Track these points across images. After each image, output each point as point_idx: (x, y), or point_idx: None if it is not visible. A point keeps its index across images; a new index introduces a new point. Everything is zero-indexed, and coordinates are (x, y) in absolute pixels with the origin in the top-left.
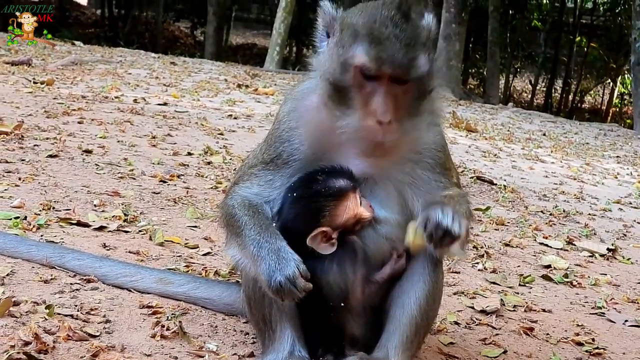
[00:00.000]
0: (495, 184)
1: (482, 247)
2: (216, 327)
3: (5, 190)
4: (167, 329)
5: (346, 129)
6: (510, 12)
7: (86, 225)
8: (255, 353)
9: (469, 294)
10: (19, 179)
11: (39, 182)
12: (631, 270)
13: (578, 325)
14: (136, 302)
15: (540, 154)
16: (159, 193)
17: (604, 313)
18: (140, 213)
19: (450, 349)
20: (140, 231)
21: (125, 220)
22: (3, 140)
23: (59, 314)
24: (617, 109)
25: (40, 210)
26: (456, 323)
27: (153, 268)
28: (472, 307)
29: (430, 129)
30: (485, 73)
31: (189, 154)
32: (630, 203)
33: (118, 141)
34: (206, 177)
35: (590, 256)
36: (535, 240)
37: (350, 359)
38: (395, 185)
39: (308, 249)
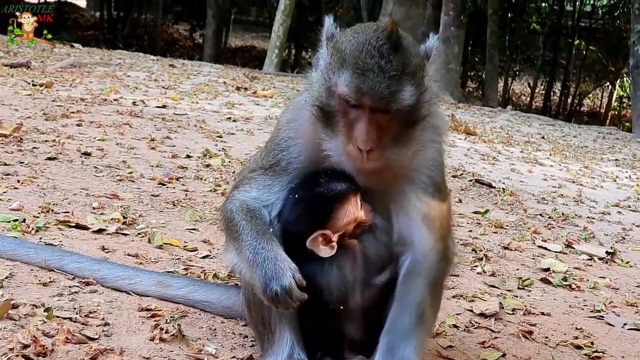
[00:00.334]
0: (494, 187)
1: (480, 250)
2: (215, 330)
3: (4, 192)
4: (166, 332)
5: (331, 152)
6: (509, 15)
7: (85, 227)
8: (254, 356)
9: (467, 297)
10: (18, 181)
11: (38, 185)
12: (630, 273)
13: (577, 328)
14: (135, 304)
15: (539, 157)
16: (157, 196)
17: (602, 316)
18: (139, 216)
19: (449, 352)
20: (139, 234)
21: (124, 223)
22: (2, 143)
23: (58, 316)
24: (616, 112)
25: (39, 213)
26: (455, 326)
27: (152, 271)
28: (471, 310)
29: (430, 145)
30: (484, 76)
31: (188, 156)
32: (629, 206)
33: (117, 144)
34: (205, 179)
35: (589, 259)
36: (534, 243)
37: None
38: (386, 201)
39: (307, 251)
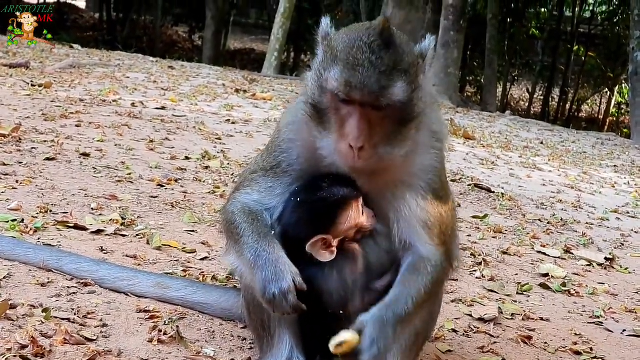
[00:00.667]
0: (493, 192)
1: (479, 255)
2: (214, 332)
3: (3, 192)
4: (164, 334)
5: (324, 151)
6: (509, 20)
7: (83, 228)
8: (252, 359)
9: (466, 302)
10: (17, 181)
11: (37, 185)
12: (629, 279)
13: (576, 334)
14: (133, 306)
15: (538, 162)
16: (156, 197)
17: (602, 322)
18: (138, 217)
19: (448, 356)
20: (137, 235)
21: (122, 224)
22: (0, 143)
23: (56, 317)
24: (614, 119)
25: (37, 213)
26: (454, 331)
27: (150, 272)
28: (470, 315)
29: (429, 151)
30: (483, 81)
31: (187, 158)
32: (628, 212)
33: (116, 145)
34: (204, 181)
35: (588, 265)
36: (533, 248)
37: None
38: (385, 207)
39: (307, 255)
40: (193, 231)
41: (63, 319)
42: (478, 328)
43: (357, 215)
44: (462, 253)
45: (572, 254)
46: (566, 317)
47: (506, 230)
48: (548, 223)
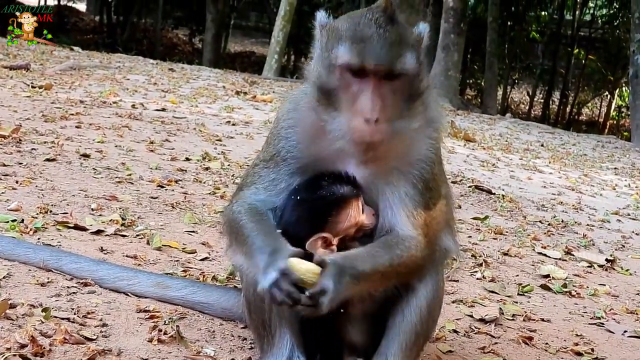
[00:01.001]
0: (494, 194)
1: (480, 256)
2: (214, 332)
3: (3, 193)
4: (164, 334)
5: (336, 132)
6: (509, 23)
7: (83, 229)
8: (253, 358)
9: (467, 303)
10: (17, 182)
11: (37, 186)
12: (630, 281)
13: (577, 335)
14: (133, 306)
15: (539, 165)
16: (156, 198)
17: (603, 323)
18: (138, 217)
19: (449, 357)
20: (137, 235)
21: (122, 225)
22: (1, 144)
23: (56, 317)
24: (615, 122)
25: (37, 214)
26: (455, 331)
27: (150, 272)
28: (471, 316)
29: (425, 141)
30: (483, 84)
31: (187, 159)
32: (629, 214)
33: (116, 146)
34: (204, 182)
35: (588, 266)
36: (533, 249)
37: None
38: (375, 196)
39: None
40: (193, 232)
41: (63, 319)
42: (479, 329)
43: (357, 214)
44: (463, 254)
45: (573, 255)
46: (567, 318)
47: (507, 232)
48: (549, 224)
